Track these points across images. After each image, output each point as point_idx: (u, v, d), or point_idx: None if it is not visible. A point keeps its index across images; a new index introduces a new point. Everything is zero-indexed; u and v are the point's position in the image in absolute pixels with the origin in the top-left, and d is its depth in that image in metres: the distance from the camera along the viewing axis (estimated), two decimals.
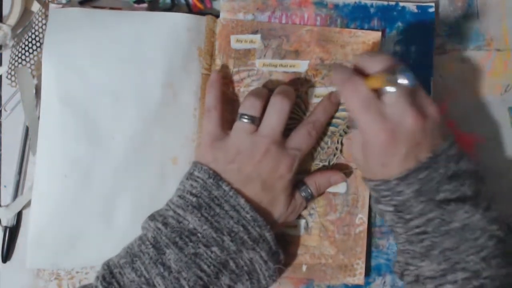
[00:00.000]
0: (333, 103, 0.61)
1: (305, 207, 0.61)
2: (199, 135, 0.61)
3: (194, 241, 0.53)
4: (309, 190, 0.59)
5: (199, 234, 0.53)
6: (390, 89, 0.50)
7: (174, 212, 0.55)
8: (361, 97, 0.51)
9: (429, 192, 0.51)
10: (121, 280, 0.52)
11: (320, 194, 0.61)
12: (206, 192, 0.55)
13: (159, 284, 0.52)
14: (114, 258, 0.55)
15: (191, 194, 0.55)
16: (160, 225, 0.54)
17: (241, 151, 0.56)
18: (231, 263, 0.53)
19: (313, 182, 0.59)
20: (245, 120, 0.57)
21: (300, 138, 0.58)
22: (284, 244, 0.61)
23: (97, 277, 0.53)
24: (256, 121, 0.57)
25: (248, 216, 0.54)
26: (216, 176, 0.55)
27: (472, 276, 0.51)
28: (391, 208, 0.53)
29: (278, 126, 0.57)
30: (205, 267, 0.53)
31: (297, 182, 0.59)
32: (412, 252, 0.54)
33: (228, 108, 0.61)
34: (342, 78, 0.53)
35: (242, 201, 0.54)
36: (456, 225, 0.51)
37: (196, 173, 0.56)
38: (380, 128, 0.50)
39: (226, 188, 0.55)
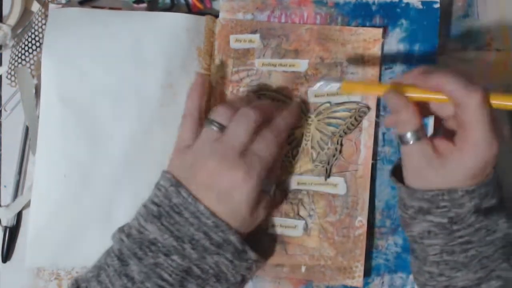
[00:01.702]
0: (293, 113, 0.59)
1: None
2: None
3: (154, 251, 0.52)
4: (273, 187, 0.58)
5: (159, 244, 0.52)
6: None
7: (138, 222, 0.54)
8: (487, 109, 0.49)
9: (482, 205, 0.51)
10: None
11: (274, 178, 0.59)
12: (167, 200, 0.53)
13: None
14: (84, 273, 0.54)
15: (153, 203, 0.54)
16: (123, 237, 0.53)
17: (200, 158, 0.54)
18: (195, 269, 0.52)
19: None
20: (214, 128, 0.55)
21: (260, 145, 0.55)
22: (283, 244, 0.61)
23: None
24: (224, 129, 0.55)
25: (209, 222, 0.52)
26: (177, 183, 0.53)
27: (504, 285, 0.51)
28: (445, 220, 0.51)
29: (242, 135, 0.54)
30: (166, 276, 0.51)
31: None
32: (452, 263, 0.52)
33: None
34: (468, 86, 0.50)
35: (201, 207, 0.52)
36: (500, 234, 0.51)
37: (161, 181, 0.55)
38: (495, 140, 0.49)
39: (185, 195, 0.53)
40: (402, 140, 0.52)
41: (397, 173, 0.56)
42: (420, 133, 0.51)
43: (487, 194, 0.51)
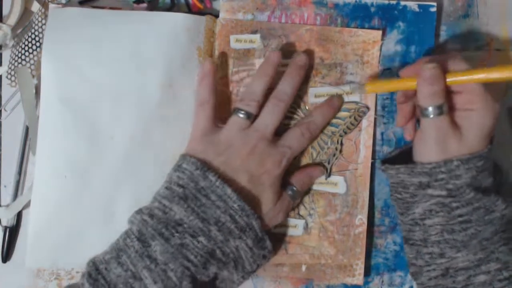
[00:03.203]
0: (333, 108, 0.61)
1: (293, 208, 0.61)
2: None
3: (180, 232, 0.53)
4: (294, 188, 0.59)
5: (185, 225, 0.53)
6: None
7: (160, 203, 0.55)
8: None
9: (480, 182, 0.54)
10: (108, 276, 0.52)
11: (304, 191, 0.61)
12: (192, 183, 0.55)
13: (146, 277, 0.51)
14: (99, 255, 0.54)
15: (178, 185, 0.55)
16: (146, 217, 0.54)
17: (231, 145, 0.57)
18: (218, 252, 0.53)
19: (296, 180, 0.60)
20: (241, 115, 0.58)
21: (293, 137, 0.59)
22: (283, 244, 0.62)
23: (83, 275, 0.53)
24: (251, 117, 0.58)
25: (235, 205, 0.54)
26: (203, 167, 0.55)
27: (503, 267, 0.53)
28: (444, 192, 0.54)
29: (272, 124, 0.58)
30: (192, 257, 0.52)
31: (283, 183, 0.59)
32: (452, 241, 0.54)
33: (227, 108, 0.62)
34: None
35: (229, 190, 0.54)
36: (498, 214, 0.54)
37: (184, 165, 0.56)
38: (497, 99, 0.55)
39: (213, 179, 0.54)
40: (425, 113, 0.55)
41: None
42: (446, 107, 0.55)
43: (483, 169, 0.54)
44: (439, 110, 0.54)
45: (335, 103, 0.61)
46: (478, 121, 0.54)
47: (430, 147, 0.55)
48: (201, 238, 0.53)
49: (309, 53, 0.62)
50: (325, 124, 0.61)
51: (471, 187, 0.54)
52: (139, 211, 0.55)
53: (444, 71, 0.54)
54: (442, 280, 0.55)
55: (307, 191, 0.62)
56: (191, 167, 0.55)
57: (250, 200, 0.55)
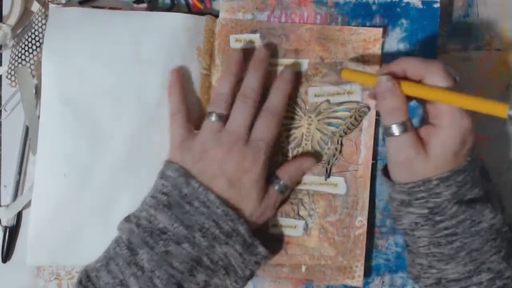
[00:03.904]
0: (286, 82, 0.59)
1: (284, 201, 0.61)
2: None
3: (164, 239, 0.53)
4: (281, 182, 0.58)
5: (169, 233, 0.54)
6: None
7: (147, 212, 0.55)
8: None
9: (463, 194, 0.52)
10: (97, 283, 0.53)
11: (295, 184, 0.61)
12: (176, 191, 0.55)
13: (133, 284, 0.52)
14: (92, 263, 0.56)
15: (162, 193, 0.55)
16: (133, 226, 0.55)
17: (206, 149, 0.56)
18: (205, 259, 0.54)
19: (284, 173, 0.59)
20: (213, 119, 0.57)
21: (260, 128, 0.57)
22: (283, 244, 0.61)
23: (76, 282, 0.55)
24: (223, 118, 0.57)
25: (218, 211, 0.54)
26: (186, 174, 0.55)
27: (496, 277, 0.52)
28: (425, 211, 0.53)
29: (243, 123, 0.57)
30: (176, 264, 0.53)
31: (269, 176, 0.58)
32: (439, 255, 0.53)
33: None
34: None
35: (212, 196, 0.54)
36: (485, 225, 0.52)
37: (167, 172, 0.56)
38: (468, 115, 0.51)
39: (195, 185, 0.55)
40: (388, 132, 0.53)
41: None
42: (408, 124, 0.53)
43: (465, 183, 0.52)
44: (402, 128, 0.52)
45: (287, 76, 0.60)
46: (443, 139, 0.51)
47: (398, 170, 0.55)
48: (185, 245, 0.53)
49: (272, 48, 0.61)
50: (285, 100, 0.59)
51: (453, 201, 0.52)
52: (128, 219, 0.56)
53: (416, 81, 0.52)
54: None
55: (307, 191, 0.61)
56: (174, 174, 0.56)
57: (233, 204, 0.55)
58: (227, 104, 0.58)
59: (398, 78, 0.53)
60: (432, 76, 0.52)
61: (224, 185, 0.55)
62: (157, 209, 0.55)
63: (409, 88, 0.53)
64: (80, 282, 0.54)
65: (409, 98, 0.53)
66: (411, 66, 0.53)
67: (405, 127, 0.52)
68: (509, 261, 0.52)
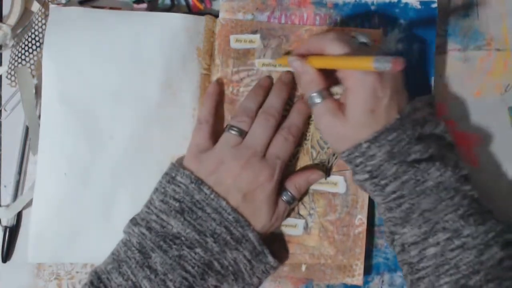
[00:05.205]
0: (307, 103, 0.60)
1: (289, 213, 0.61)
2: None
3: (178, 244, 0.54)
4: (289, 194, 0.59)
5: (182, 237, 0.55)
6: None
7: (157, 216, 0.56)
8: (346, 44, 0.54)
9: (400, 154, 0.53)
10: (109, 285, 0.54)
11: (301, 195, 0.61)
12: (188, 197, 0.56)
13: (146, 287, 0.53)
14: (101, 265, 0.56)
15: (174, 199, 0.56)
16: (144, 230, 0.56)
17: (222, 162, 0.57)
18: (216, 264, 0.55)
19: (292, 185, 0.59)
20: (233, 132, 0.58)
21: (278, 145, 0.58)
22: (283, 243, 0.61)
23: (85, 284, 0.55)
24: (243, 134, 0.58)
25: (230, 217, 0.55)
26: (198, 181, 0.56)
27: (453, 236, 0.52)
28: (366, 175, 0.54)
29: (262, 139, 0.58)
30: (189, 268, 0.54)
31: (279, 187, 0.59)
32: (394, 219, 0.55)
33: (228, 108, 0.62)
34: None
35: (223, 203, 0.55)
36: (431, 183, 0.53)
37: (178, 178, 0.57)
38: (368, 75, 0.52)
39: (208, 192, 0.55)
40: (310, 104, 0.56)
41: None
42: (324, 93, 0.55)
43: (400, 141, 0.53)
44: (320, 96, 0.55)
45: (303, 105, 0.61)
46: (353, 98, 0.53)
47: (329, 140, 0.58)
48: (198, 250, 0.54)
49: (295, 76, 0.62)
50: (304, 120, 0.60)
51: (392, 162, 0.53)
52: (135, 223, 0.57)
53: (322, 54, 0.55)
54: (403, 255, 0.55)
55: (306, 191, 0.62)
56: (186, 181, 0.56)
57: (247, 214, 0.56)
58: (250, 120, 0.59)
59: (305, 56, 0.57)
60: (327, 47, 0.54)
61: (238, 198, 0.56)
62: (170, 215, 0.55)
63: (313, 61, 0.55)
64: (91, 283, 0.54)
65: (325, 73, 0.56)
66: (311, 44, 0.56)
67: (322, 95, 0.55)
68: (468, 219, 0.52)
